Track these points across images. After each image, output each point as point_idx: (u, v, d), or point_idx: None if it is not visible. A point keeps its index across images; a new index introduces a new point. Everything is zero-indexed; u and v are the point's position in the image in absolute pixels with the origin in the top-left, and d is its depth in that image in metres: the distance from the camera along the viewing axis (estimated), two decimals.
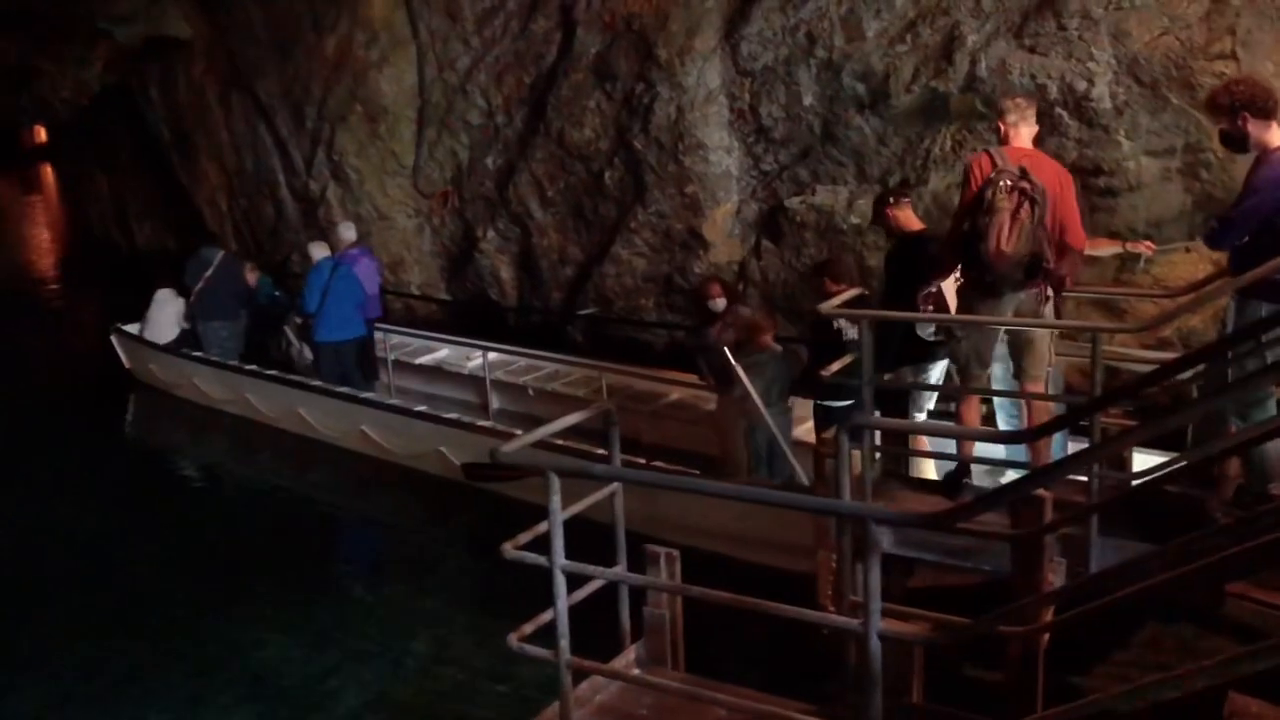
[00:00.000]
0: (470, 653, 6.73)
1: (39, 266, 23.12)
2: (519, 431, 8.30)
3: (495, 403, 10.46)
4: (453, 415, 9.38)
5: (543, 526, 3.75)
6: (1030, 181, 5.09)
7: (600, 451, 7.25)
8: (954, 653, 4.89)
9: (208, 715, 6.28)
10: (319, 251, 10.98)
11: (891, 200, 6.60)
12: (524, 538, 3.82)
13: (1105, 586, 3.06)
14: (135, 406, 12.45)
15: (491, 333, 11.48)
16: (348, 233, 11.05)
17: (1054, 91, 8.01)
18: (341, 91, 13.16)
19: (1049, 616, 4.20)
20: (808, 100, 9.50)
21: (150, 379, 12.40)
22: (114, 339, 12.61)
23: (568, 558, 3.70)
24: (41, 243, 26.24)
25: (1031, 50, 8.18)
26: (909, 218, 6.59)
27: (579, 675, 4.01)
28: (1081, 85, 7.94)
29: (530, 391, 10.30)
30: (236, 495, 10.16)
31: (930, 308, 5.83)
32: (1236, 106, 4.76)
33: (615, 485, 4.10)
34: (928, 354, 6.44)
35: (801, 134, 9.66)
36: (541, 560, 3.65)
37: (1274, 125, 4.76)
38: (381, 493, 9.60)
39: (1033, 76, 8.11)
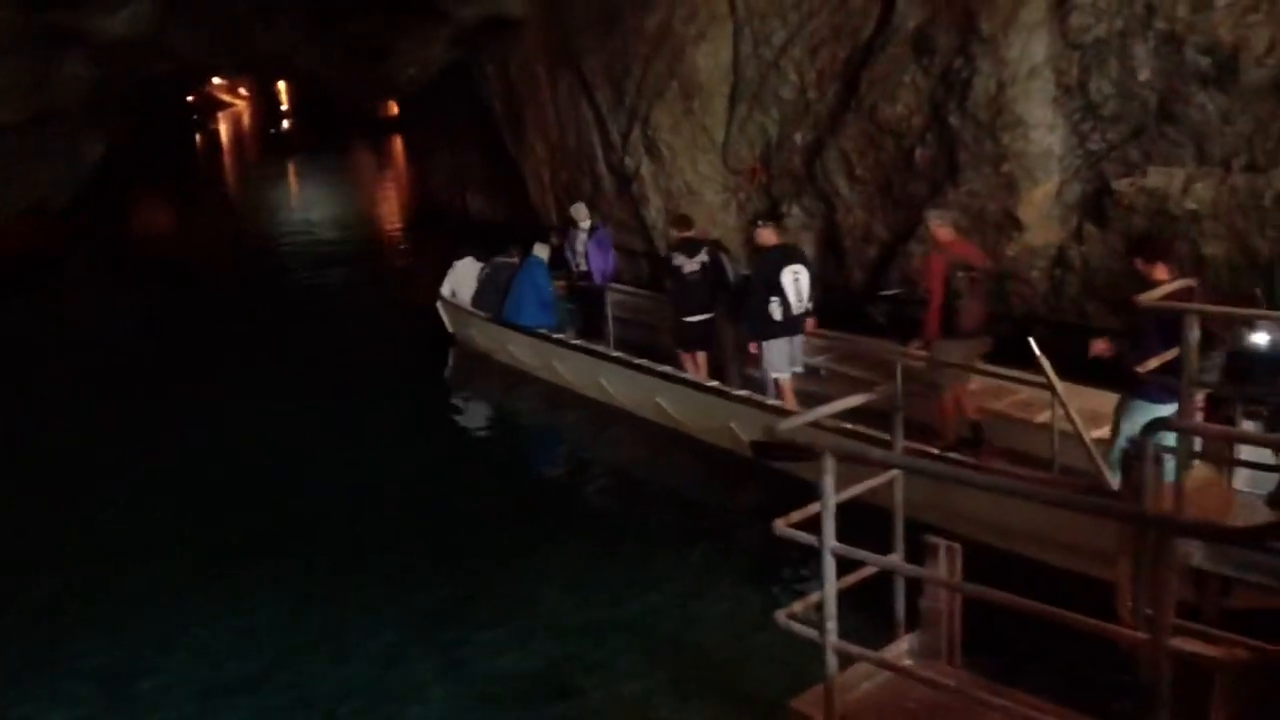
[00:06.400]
0: (746, 622, 6.77)
1: (388, 229, 25.61)
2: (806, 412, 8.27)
3: None
4: (742, 392, 9.42)
5: (815, 507, 3.71)
6: None
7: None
8: (1263, 681, 4.43)
9: (483, 656, 6.61)
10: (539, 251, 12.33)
11: (760, 223, 9.59)
12: (796, 516, 3.80)
13: None
14: (455, 364, 13.37)
15: None
16: (578, 214, 12.44)
17: None
18: (659, 68, 13.46)
19: None
20: (1143, 75, 8.82)
21: (469, 342, 13.27)
22: (439, 305, 13.56)
23: (848, 537, 3.63)
24: (391, 207, 28.99)
25: None
26: (769, 236, 9.32)
27: (849, 660, 3.94)
28: None
29: (822, 372, 10.16)
30: (538, 452, 10.81)
31: None
32: None
33: (895, 472, 4.00)
34: None
35: (1134, 111, 8.97)
36: (812, 540, 3.61)
37: None
38: (673, 461, 9.80)
39: None
